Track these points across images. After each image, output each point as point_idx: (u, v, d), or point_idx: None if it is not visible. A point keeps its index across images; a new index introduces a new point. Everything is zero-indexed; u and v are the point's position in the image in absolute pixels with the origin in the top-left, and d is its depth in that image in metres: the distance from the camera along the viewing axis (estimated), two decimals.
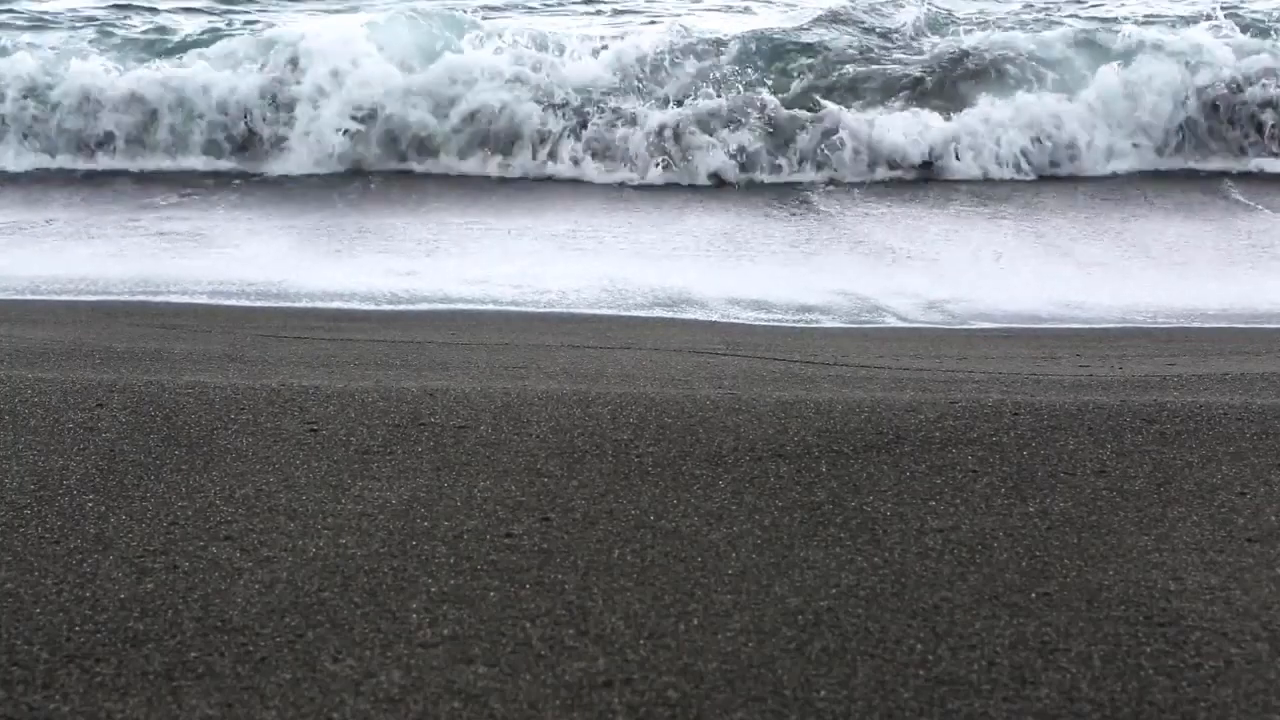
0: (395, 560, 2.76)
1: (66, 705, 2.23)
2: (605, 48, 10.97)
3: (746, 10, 13.94)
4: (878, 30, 11.80)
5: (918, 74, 10.67)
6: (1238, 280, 7.01)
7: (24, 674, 2.33)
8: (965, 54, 10.81)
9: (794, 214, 8.83)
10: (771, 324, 6.26)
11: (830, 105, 10.09)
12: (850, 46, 11.35)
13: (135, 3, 13.98)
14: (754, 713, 2.21)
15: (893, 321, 6.34)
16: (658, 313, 6.46)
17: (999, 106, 9.95)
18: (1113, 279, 7.08)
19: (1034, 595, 2.61)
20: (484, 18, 12.07)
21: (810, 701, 2.24)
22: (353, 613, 2.54)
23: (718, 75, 10.58)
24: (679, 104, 10.25)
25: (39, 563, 2.76)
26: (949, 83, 10.51)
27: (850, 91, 10.45)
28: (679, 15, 13.28)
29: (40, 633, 2.46)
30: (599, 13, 13.73)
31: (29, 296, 6.74)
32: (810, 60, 11.05)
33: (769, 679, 2.31)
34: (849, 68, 10.89)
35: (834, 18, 11.96)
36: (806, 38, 11.49)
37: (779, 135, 9.88)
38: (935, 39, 11.40)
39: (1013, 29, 11.42)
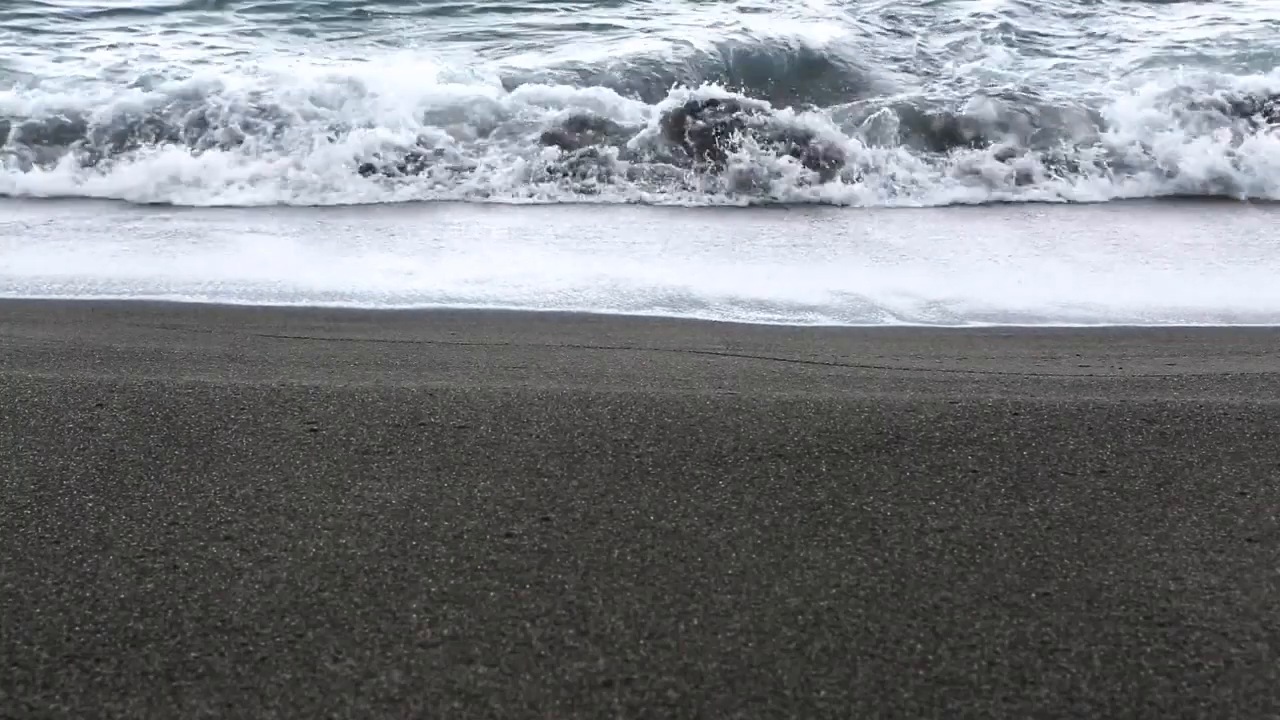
0: (395, 560, 2.76)
1: (66, 705, 2.23)
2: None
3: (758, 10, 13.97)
4: (886, 54, 11.88)
5: (945, 99, 10.64)
6: (1238, 280, 7.01)
7: (24, 674, 2.33)
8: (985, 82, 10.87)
9: (794, 214, 8.83)
10: (771, 324, 6.26)
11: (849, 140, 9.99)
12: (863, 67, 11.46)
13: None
14: (754, 713, 2.21)
15: (892, 321, 6.34)
16: (658, 313, 6.46)
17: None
18: (1113, 279, 7.08)
19: (1034, 595, 2.61)
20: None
21: (810, 701, 2.24)
22: (353, 613, 2.54)
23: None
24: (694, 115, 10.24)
25: (39, 563, 2.76)
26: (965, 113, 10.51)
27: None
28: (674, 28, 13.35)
29: (40, 633, 2.46)
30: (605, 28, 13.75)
31: (29, 296, 6.74)
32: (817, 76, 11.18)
33: (769, 679, 2.31)
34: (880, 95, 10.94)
35: (840, 44, 12.04)
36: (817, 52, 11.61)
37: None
38: (965, 64, 11.49)
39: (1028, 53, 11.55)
